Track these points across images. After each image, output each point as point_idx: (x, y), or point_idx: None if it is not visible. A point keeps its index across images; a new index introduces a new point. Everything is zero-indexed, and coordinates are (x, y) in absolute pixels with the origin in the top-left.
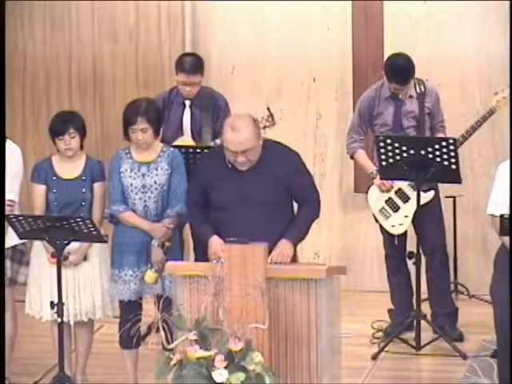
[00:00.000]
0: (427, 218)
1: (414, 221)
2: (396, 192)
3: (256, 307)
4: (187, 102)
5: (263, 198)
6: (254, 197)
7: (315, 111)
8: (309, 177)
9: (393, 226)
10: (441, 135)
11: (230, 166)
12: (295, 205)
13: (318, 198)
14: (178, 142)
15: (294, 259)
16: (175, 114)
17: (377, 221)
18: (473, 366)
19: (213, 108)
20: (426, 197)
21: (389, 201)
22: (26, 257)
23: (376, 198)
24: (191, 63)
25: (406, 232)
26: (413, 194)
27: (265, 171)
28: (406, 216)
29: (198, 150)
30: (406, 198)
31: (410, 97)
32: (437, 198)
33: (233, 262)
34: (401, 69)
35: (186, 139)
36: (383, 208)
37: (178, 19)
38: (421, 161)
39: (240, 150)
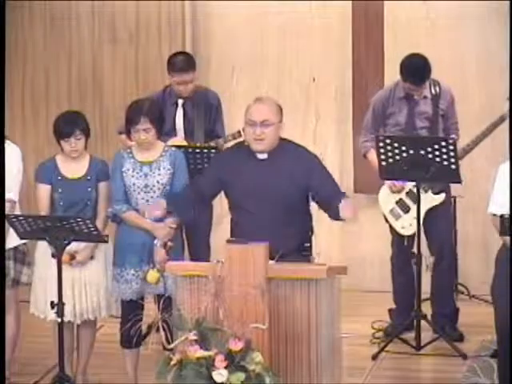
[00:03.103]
0: (437, 220)
1: (423, 222)
2: (407, 193)
3: (256, 307)
4: (180, 101)
5: (279, 195)
6: (269, 194)
7: (315, 111)
8: (330, 177)
9: (403, 227)
10: (454, 137)
11: (247, 161)
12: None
13: (344, 193)
14: (169, 143)
15: (308, 260)
16: (168, 113)
17: (387, 221)
18: (473, 366)
19: (205, 106)
20: (437, 198)
21: (400, 202)
22: (28, 257)
23: (387, 198)
24: (182, 62)
25: (414, 235)
26: (423, 196)
27: (282, 169)
28: (416, 217)
29: (198, 151)
30: (416, 200)
31: (425, 97)
32: (448, 200)
33: (233, 261)
34: (416, 69)
35: (178, 140)
36: (394, 209)
37: (178, 19)
38: (421, 161)
39: (260, 120)
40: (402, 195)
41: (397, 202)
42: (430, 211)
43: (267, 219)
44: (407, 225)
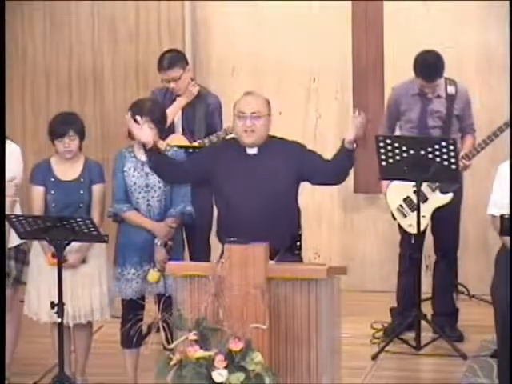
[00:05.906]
0: (444, 220)
1: (431, 220)
2: (415, 191)
3: (256, 307)
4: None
5: (269, 192)
6: (259, 190)
7: (315, 111)
8: (319, 154)
9: (410, 225)
10: (470, 138)
11: (237, 156)
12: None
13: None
14: (170, 140)
15: (300, 259)
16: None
17: (394, 219)
18: (473, 366)
19: (204, 106)
20: (445, 198)
21: (407, 199)
22: (29, 256)
23: (394, 195)
24: (166, 59)
25: (424, 234)
26: (431, 195)
27: (272, 165)
28: (423, 216)
29: (198, 150)
30: (424, 198)
31: (438, 96)
32: (458, 201)
33: (233, 261)
34: (428, 65)
35: (179, 137)
36: (401, 206)
37: (178, 19)
38: (421, 161)
39: (250, 112)
40: (410, 193)
41: (404, 200)
42: (438, 210)
43: (256, 216)
44: (414, 223)
